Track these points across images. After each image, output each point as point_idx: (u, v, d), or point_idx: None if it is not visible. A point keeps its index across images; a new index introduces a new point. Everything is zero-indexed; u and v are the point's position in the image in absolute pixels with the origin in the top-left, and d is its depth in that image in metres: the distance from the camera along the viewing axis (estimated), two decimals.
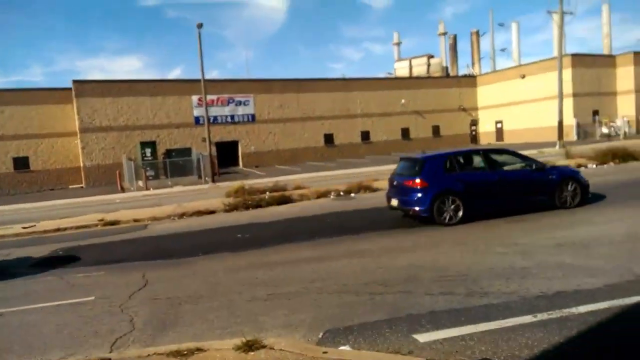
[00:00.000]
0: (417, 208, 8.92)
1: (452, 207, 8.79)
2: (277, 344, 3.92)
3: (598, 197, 10.10)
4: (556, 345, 3.52)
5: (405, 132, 43.73)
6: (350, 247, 7.65)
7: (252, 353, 3.76)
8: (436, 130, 45.83)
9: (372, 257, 6.86)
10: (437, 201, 8.73)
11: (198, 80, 27.80)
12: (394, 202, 9.65)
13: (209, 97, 31.81)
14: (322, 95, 39.74)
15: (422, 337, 3.89)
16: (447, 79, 51.83)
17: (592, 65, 41.56)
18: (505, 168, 9.58)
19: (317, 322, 4.49)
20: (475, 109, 48.49)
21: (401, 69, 55.73)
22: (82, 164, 31.24)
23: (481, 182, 9.05)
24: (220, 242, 9.10)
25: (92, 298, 5.98)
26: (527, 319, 4.06)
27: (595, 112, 40.97)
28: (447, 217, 8.76)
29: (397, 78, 49.36)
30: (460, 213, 8.77)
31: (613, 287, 4.67)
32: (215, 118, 34.55)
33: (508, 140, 44.79)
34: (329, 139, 39.45)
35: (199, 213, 13.27)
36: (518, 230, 7.78)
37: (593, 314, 4.03)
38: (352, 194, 14.75)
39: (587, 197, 9.48)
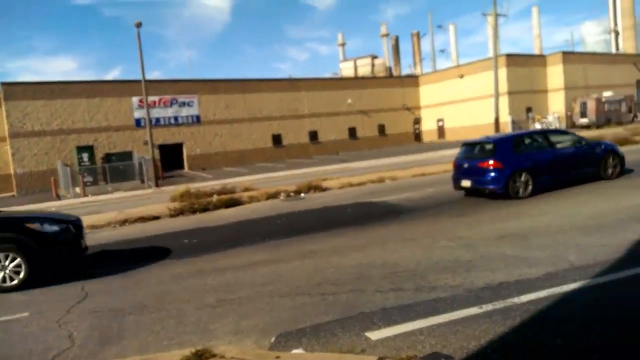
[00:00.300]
0: (492, 186, 10.10)
1: (523, 183, 10.04)
2: (228, 351, 3.80)
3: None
4: (501, 335, 3.66)
5: (352, 132, 44.32)
6: (301, 248, 7.61)
7: None
8: (382, 129, 46.81)
9: (323, 257, 6.86)
10: (510, 179, 9.92)
11: (138, 81, 26.69)
12: (466, 183, 10.76)
13: (151, 99, 30.68)
14: (269, 96, 39.46)
15: (374, 335, 3.91)
16: (390, 78, 53.10)
17: (524, 65, 44.03)
18: (558, 146, 10.87)
19: (269, 326, 4.41)
20: (418, 107, 49.98)
21: (346, 69, 56.48)
22: (12, 171, 29.15)
23: (545, 159, 10.39)
24: (166, 249, 8.78)
25: (26, 314, 5.56)
26: (474, 310, 4.20)
27: (529, 109, 43.46)
28: (520, 192, 9.99)
29: (343, 78, 49.95)
30: (530, 188, 10.04)
31: (551, 275, 4.93)
32: (157, 120, 33.40)
33: (449, 138, 46.51)
34: (277, 139, 39.23)
35: (143, 219, 12.74)
36: (462, 224, 8.06)
37: (534, 302, 4.23)
38: (302, 194, 14.73)
39: (624, 168, 11.37)
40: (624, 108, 42.53)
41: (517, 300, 4.33)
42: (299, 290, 5.40)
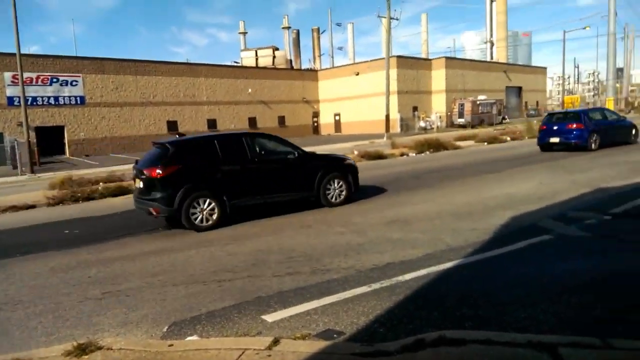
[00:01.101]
0: (577, 141, 15.70)
1: (595, 140, 15.72)
2: (116, 343, 3.61)
3: (416, 181, 11.61)
4: (387, 310, 3.98)
5: (252, 121, 43.91)
6: (198, 237, 7.42)
7: (86, 357, 3.40)
8: (282, 120, 47.04)
9: (219, 245, 6.78)
10: (589, 136, 15.64)
11: (12, 54, 23.58)
12: (555, 139, 16.28)
13: (28, 75, 27.43)
14: (164, 80, 37.43)
15: (271, 317, 4.00)
16: (291, 71, 53.46)
17: (413, 67, 47.21)
18: (609, 119, 17.19)
19: (161, 316, 4.27)
20: (317, 101, 51.10)
21: (247, 59, 55.60)
22: None
23: (605, 125, 16.43)
24: (43, 240, 7.97)
25: None
26: (363, 289, 4.49)
27: (415, 108, 46.77)
28: (593, 146, 15.62)
29: (244, 67, 49.10)
30: (598, 142, 15.73)
31: (430, 256, 5.44)
32: (34, 99, 29.96)
33: (345, 132, 48.29)
34: (172, 126, 37.41)
35: (15, 208, 11.40)
36: (355, 212, 8.50)
37: (416, 280, 4.65)
38: None
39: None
40: (494, 110, 47.75)
41: (401, 278, 4.71)
42: (194, 278, 5.29)
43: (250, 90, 43.33)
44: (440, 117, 45.74)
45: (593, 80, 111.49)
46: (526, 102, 61.78)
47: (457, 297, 4.15)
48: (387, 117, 33.86)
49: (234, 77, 42.89)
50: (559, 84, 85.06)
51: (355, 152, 19.95)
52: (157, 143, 8.51)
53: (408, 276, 4.77)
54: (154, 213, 7.75)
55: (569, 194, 8.58)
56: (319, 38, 79.83)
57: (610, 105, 56.26)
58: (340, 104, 49.34)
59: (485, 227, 6.55)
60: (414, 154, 20.18)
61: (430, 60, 51.23)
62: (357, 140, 33.26)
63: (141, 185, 7.88)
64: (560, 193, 8.68)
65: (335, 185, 9.10)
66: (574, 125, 15.87)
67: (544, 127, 16.77)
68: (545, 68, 70.00)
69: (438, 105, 48.25)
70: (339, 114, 49.85)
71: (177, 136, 8.91)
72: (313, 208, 8.98)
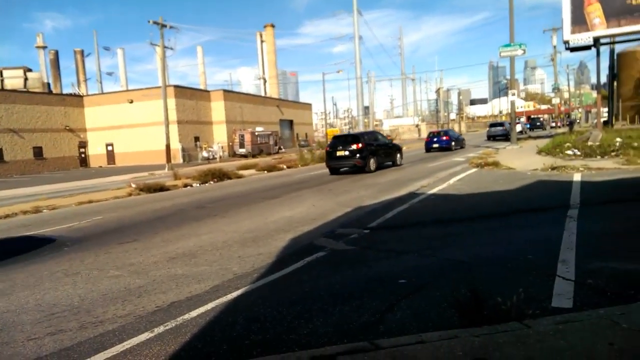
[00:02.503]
0: (445, 145, 29.53)
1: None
2: None
3: (202, 211, 11.42)
4: (173, 353, 3.67)
5: None
6: None
7: None
8: (39, 151, 40.41)
9: None
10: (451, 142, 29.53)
11: None
12: (436, 145, 28.92)
13: None
14: None
15: None
16: (50, 95, 46.74)
17: (192, 97, 46.97)
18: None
19: None
20: (84, 130, 45.82)
21: None
22: None
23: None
24: None
25: None
26: (145, 336, 4.07)
27: (197, 138, 46.46)
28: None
29: None
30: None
31: (218, 287, 5.32)
32: None
33: (121, 163, 44.52)
34: None
35: None
36: (133, 250, 7.76)
37: (203, 316, 4.46)
38: None
39: None
40: (271, 141, 51.20)
41: (187, 316, 4.45)
42: None
43: None
44: (222, 147, 46.52)
45: (348, 116, 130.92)
46: (297, 134, 68.32)
47: (244, 325, 4.13)
48: (168, 147, 32.64)
49: None
50: (322, 119, 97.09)
51: (133, 185, 18.48)
52: (352, 134, 20.75)
53: (195, 312, 4.54)
54: (357, 164, 18.28)
55: (336, 213, 9.69)
56: (83, 61, 72.29)
57: None
58: (113, 133, 45.33)
59: (269, 251, 6.81)
60: (198, 184, 19.86)
61: (209, 91, 51.93)
62: (135, 172, 30.94)
63: (347, 153, 18.46)
64: (329, 213, 9.73)
65: None
66: (446, 137, 29.94)
67: (428, 139, 31.48)
68: (310, 104, 79.04)
69: (219, 135, 49.04)
70: (111, 144, 45.71)
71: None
72: (79, 252, 7.83)
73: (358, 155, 18.35)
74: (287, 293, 4.95)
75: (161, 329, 4.21)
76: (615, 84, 44.63)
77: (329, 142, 21.09)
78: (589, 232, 6.51)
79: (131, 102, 44.62)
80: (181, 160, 42.47)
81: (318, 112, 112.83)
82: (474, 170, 16.50)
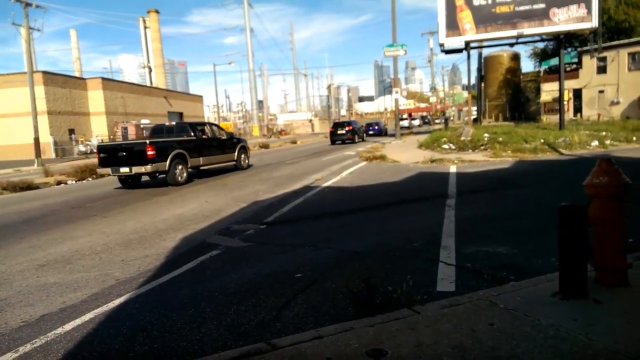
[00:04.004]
0: (375, 132, 43.29)
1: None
2: None
3: (78, 212, 10.32)
4: None
5: None
6: None
7: None
8: None
9: None
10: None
11: None
12: (341, 132, 34.25)
13: None
14: None
15: None
16: None
17: (65, 85, 42.43)
18: None
19: None
20: None
21: None
22: None
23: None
24: None
25: None
26: (7, 357, 3.51)
27: (72, 131, 42.15)
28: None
29: None
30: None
31: (97, 295, 4.80)
32: None
33: None
34: None
35: None
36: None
37: (79, 328, 3.97)
38: None
39: None
40: None
41: (61, 330, 3.94)
42: None
43: None
44: (102, 141, 42.77)
45: (242, 110, 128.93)
46: None
47: (128, 336, 3.77)
48: (37, 140, 29.09)
49: None
50: (214, 112, 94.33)
51: None
52: (344, 122, 37.13)
53: (69, 326, 4.03)
54: (349, 140, 33.19)
55: (231, 209, 9.40)
56: None
57: (255, 131, 66.49)
58: None
59: (157, 252, 6.35)
60: (74, 182, 17.97)
61: (85, 79, 47.33)
62: None
63: (344, 131, 33.42)
64: (224, 209, 9.41)
65: None
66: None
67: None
68: (201, 96, 76.12)
69: (99, 128, 45.00)
70: None
71: None
72: None
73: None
74: (177, 297, 4.63)
75: (28, 347, 3.66)
76: (483, 85, 49.97)
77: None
78: (465, 218, 7.13)
79: None
80: (53, 155, 38.14)
81: (210, 105, 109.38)
82: (363, 163, 17.23)
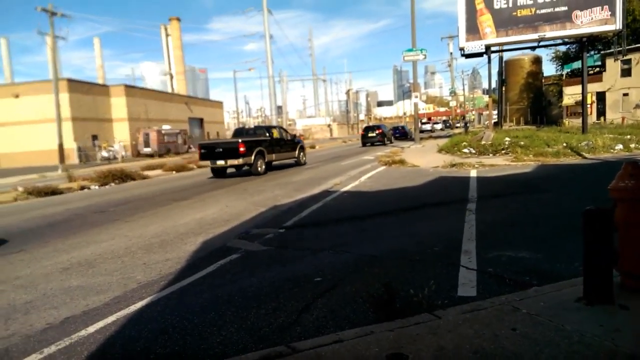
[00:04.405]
0: (399, 134, 43.98)
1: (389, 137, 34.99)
2: None
3: (102, 216, 10.53)
4: None
5: None
6: None
7: None
8: None
9: None
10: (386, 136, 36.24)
11: None
12: (372, 134, 36.09)
13: None
14: None
15: None
16: None
17: (88, 93, 43.45)
18: None
19: None
20: None
21: None
22: None
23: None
24: None
25: None
26: (33, 358, 3.60)
27: (95, 137, 43.09)
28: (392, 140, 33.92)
29: None
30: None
31: (119, 298, 4.89)
32: None
33: (5, 165, 39.93)
34: None
35: None
36: (19, 262, 6.89)
37: (102, 331, 4.05)
38: None
39: None
40: (180, 140, 49.05)
41: (84, 333, 4.02)
42: None
43: None
44: (124, 147, 43.62)
45: (261, 115, 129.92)
46: (208, 133, 66.23)
47: (150, 338, 3.82)
48: (61, 146, 29.83)
49: None
50: (234, 117, 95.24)
51: (20, 189, 16.56)
52: (374, 125, 39.31)
53: (92, 328, 4.11)
54: (379, 142, 35.40)
55: (250, 213, 9.46)
56: None
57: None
58: None
59: (178, 256, 6.42)
60: (97, 187, 18.34)
61: (108, 86, 48.40)
62: (23, 174, 27.85)
63: (375, 134, 35.57)
64: (244, 213, 9.48)
65: None
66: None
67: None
68: (221, 102, 77.03)
69: (121, 134, 45.90)
70: None
71: None
72: None
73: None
74: (198, 300, 4.68)
75: (52, 348, 3.74)
76: (504, 88, 49.31)
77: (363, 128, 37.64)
78: (486, 223, 7.02)
79: (17, 96, 40.10)
80: (77, 161, 39.04)
81: (230, 111, 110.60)
82: (382, 168, 17.15)
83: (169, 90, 71.81)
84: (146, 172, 22.29)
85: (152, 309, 4.51)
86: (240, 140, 16.93)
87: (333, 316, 3.95)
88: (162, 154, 43.06)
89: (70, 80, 41.17)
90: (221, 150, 17.18)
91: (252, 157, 16.98)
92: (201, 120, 65.19)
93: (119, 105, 46.22)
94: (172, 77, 76.92)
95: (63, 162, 29.73)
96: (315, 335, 3.48)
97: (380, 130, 35.97)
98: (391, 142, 37.32)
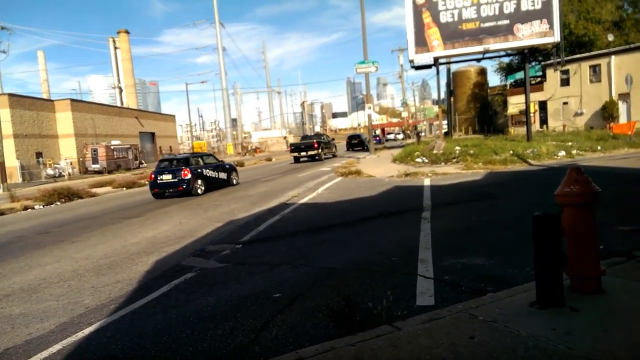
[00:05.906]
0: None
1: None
2: None
3: (46, 237, 9.94)
4: None
5: None
6: None
7: None
8: None
9: None
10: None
11: None
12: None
13: None
14: None
15: None
16: None
17: (31, 108, 41.38)
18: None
19: None
20: None
21: None
22: None
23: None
24: None
25: None
26: None
27: (40, 154, 40.98)
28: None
29: None
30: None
31: (66, 325, 4.58)
32: None
33: None
34: None
35: None
36: None
37: None
38: None
39: None
40: (130, 155, 47.42)
41: None
42: None
43: None
44: (71, 164, 41.68)
45: (215, 128, 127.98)
46: (160, 147, 64.46)
47: None
48: (2, 164, 28.07)
49: None
50: (187, 131, 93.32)
51: None
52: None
53: (35, 359, 3.82)
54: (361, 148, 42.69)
55: (206, 229, 9.22)
56: None
57: (230, 149, 65.98)
58: None
59: (129, 277, 6.14)
60: (42, 206, 17.36)
61: (53, 101, 46.27)
62: None
63: (356, 141, 45.28)
64: (199, 230, 9.22)
65: None
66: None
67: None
68: (174, 116, 75.37)
69: (67, 150, 43.86)
70: None
71: None
72: None
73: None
74: (150, 323, 4.46)
75: None
76: (452, 99, 51.13)
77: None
78: (441, 231, 7.17)
79: None
80: (20, 180, 36.89)
81: (183, 124, 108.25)
82: (339, 179, 17.26)
83: (118, 104, 69.48)
84: (94, 190, 21.36)
85: (101, 335, 4.26)
86: (315, 140, 30.83)
87: (293, 333, 3.87)
88: (112, 170, 41.46)
89: (11, 95, 39.04)
90: (303, 147, 31.25)
91: (320, 151, 30.26)
92: (153, 135, 63.41)
93: (64, 121, 44.21)
94: (121, 90, 74.51)
95: (5, 181, 27.96)
96: (275, 354, 3.39)
97: (360, 139, 44.61)
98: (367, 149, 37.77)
